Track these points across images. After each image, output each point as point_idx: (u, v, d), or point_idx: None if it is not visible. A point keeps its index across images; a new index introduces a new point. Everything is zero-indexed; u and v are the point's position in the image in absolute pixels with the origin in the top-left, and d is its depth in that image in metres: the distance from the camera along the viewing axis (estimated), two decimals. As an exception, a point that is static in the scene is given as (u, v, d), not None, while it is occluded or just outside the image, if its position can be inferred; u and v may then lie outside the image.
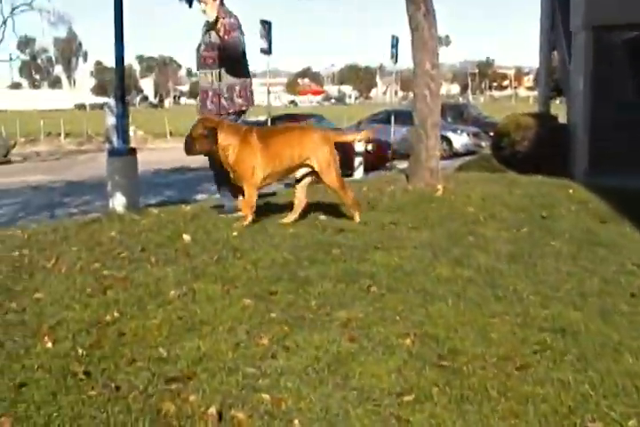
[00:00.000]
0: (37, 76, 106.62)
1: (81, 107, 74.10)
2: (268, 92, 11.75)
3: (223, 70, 5.53)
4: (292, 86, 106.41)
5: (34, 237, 5.00)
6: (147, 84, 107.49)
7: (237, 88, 5.57)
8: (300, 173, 5.19)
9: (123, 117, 10.51)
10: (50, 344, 2.69)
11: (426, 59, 6.89)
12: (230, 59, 5.48)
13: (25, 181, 14.90)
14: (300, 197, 5.25)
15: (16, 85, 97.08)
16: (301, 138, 5.12)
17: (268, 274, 3.68)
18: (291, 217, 5.20)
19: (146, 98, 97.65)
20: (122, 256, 4.23)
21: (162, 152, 21.68)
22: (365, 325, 2.97)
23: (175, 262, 4.02)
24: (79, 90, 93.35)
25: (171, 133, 37.24)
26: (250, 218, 5.02)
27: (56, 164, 22.22)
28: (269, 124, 11.43)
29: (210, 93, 5.62)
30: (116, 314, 3.06)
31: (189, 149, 5.10)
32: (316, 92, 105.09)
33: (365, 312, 3.12)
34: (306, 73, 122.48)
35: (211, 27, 5.49)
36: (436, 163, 7.07)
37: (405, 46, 7.55)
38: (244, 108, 5.67)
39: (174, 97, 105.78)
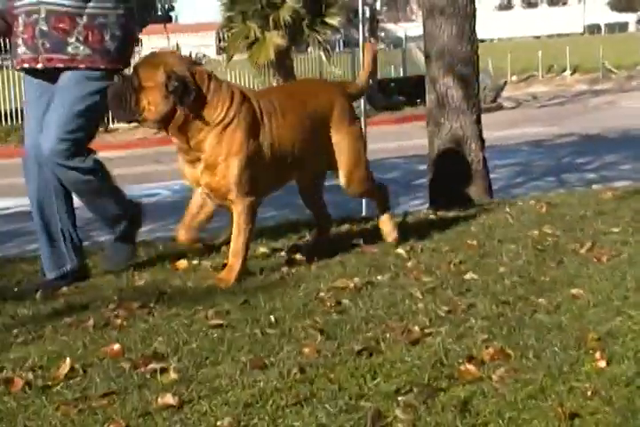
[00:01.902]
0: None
1: (593, 29, 74.22)
2: None
3: None
4: None
5: (554, 210, 5.21)
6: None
7: (101, 21, 3.97)
8: None
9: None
10: (602, 363, 2.72)
11: None
12: None
13: (522, 133, 15.58)
14: (318, 209, 4.68)
15: (506, 6, 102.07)
16: (326, 104, 4.33)
17: None
18: (318, 238, 4.70)
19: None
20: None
21: None
22: None
23: None
24: (591, 6, 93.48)
25: None
26: (239, 264, 4.08)
27: (560, 110, 22.76)
28: None
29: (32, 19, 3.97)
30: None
31: (123, 109, 3.90)
32: None
33: None
34: None
35: None
36: None
37: None
38: (100, 66, 4.04)
39: None
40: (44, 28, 3.84)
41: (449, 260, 4.15)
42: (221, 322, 3.37)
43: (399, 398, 2.53)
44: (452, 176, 6.90)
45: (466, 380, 2.66)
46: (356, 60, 23.68)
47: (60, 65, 3.88)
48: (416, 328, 3.15)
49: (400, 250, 4.40)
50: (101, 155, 4.27)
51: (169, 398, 2.60)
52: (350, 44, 27.89)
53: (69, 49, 3.85)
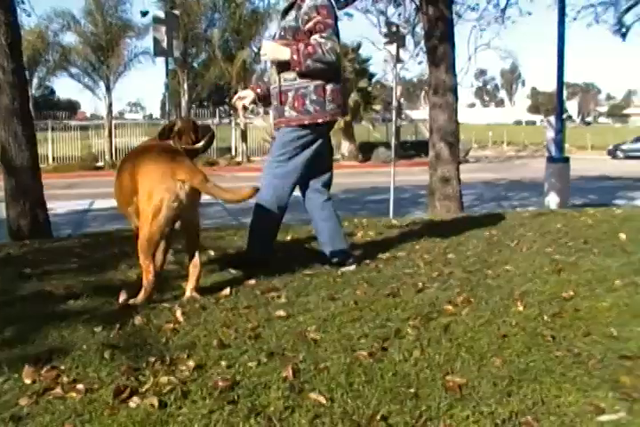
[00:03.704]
0: (487, 98, 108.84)
1: (518, 122, 73.30)
2: None
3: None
4: None
5: (498, 220, 5.06)
6: (571, 106, 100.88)
7: (291, 94, 3.26)
8: None
9: (560, 132, 10.03)
10: (521, 308, 2.65)
11: None
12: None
13: (478, 177, 15.31)
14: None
15: (471, 105, 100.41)
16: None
17: None
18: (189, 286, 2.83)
19: (570, 117, 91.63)
20: (568, 245, 4.02)
21: (583, 162, 19.89)
22: None
23: (614, 256, 3.65)
24: (517, 109, 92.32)
25: (592, 147, 34.38)
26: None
27: (499, 166, 22.42)
28: None
29: (274, 93, 3.38)
30: (570, 292, 2.88)
31: None
32: None
33: None
34: None
35: (289, 6, 3.31)
36: None
37: None
38: (292, 123, 3.28)
39: (594, 117, 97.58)
40: (275, 102, 3.34)
41: (438, 246, 4.05)
42: (310, 273, 3.26)
43: (409, 323, 2.47)
44: (442, 198, 6.88)
45: (447, 314, 2.59)
46: (389, 129, 23.89)
47: (282, 125, 3.32)
48: (419, 284, 3.03)
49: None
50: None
51: (281, 312, 2.58)
52: (385, 120, 27.55)
53: (286, 114, 3.28)
